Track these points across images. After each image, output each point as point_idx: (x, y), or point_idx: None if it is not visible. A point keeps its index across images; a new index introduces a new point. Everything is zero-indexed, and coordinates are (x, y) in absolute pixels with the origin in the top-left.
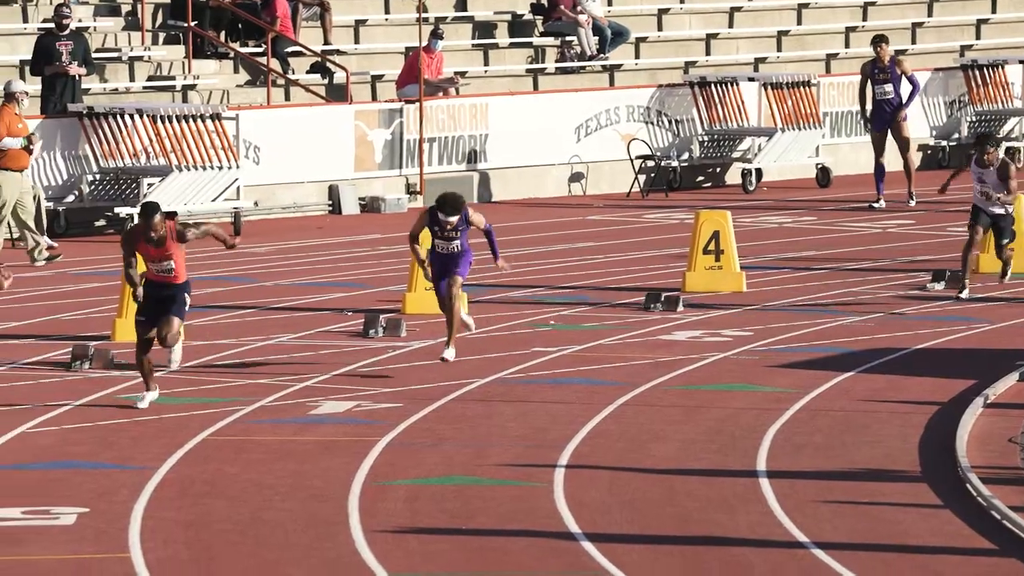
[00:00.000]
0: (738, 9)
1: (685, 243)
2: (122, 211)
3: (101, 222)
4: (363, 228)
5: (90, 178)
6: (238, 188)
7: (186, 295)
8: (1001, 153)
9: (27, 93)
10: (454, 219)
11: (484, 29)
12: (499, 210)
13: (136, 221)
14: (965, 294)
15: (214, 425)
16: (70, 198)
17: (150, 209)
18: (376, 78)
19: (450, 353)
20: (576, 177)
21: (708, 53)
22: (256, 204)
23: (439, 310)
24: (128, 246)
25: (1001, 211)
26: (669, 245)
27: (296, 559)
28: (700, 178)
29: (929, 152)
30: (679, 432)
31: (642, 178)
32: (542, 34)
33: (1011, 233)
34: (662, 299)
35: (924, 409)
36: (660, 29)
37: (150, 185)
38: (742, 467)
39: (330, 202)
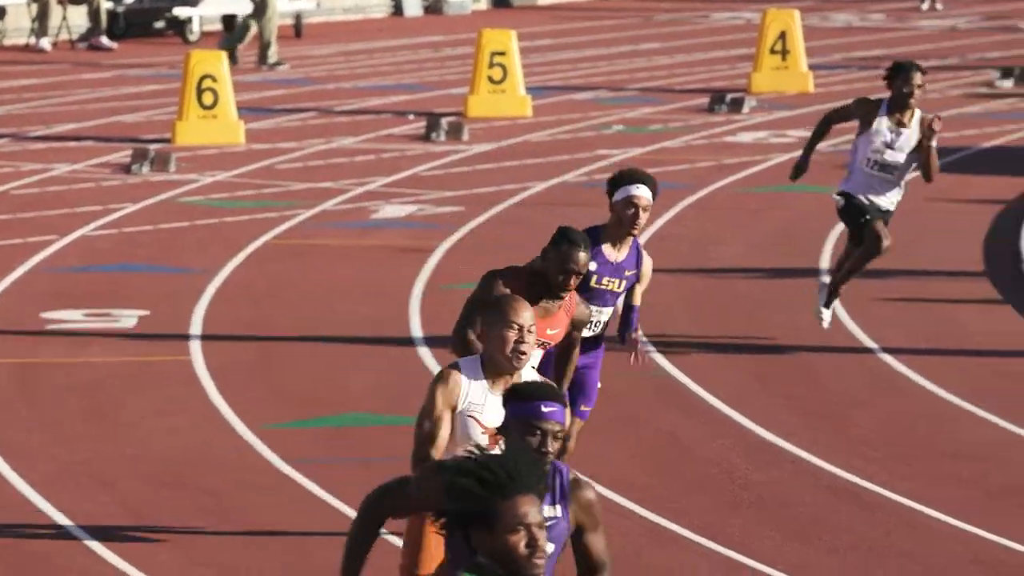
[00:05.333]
0: None
1: (752, 44)
2: (182, 12)
3: (160, 23)
4: (426, 30)
5: None
6: None
7: None
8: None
9: None
10: (647, 196)
11: None
12: (558, 14)
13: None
14: (826, 320)
15: (276, 229)
16: None
17: (579, 240)
18: None
19: None
20: None
21: None
22: (318, 5)
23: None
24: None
25: (892, 204)
26: (735, 45)
27: (358, 361)
28: None
29: None
30: (743, 234)
31: None
32: None
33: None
34: (727, 100)
35: (990, 207)
36: None
37: None
38: (805, 267)
39: (392, 4)
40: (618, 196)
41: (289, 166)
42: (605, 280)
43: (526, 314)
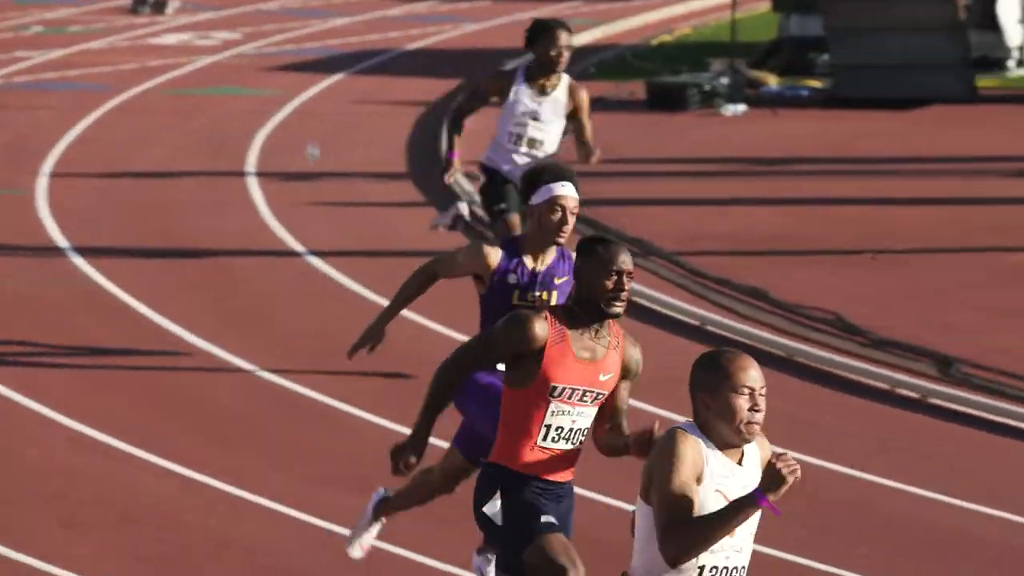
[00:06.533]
0: None
1: None
2: None
3: None
4: None
5: None
6: None
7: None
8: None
9: None
10: (574, 196)
11: None
12: None
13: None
14: None
15: None
16: None
17: (612, 238)
18: None
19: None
20: None
21: None
22: None
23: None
24: (510, 340)
25: None
26: None
27: None
28: None
29: None
30: (170, 137)
31: None
32: None
33: None
34: (151, 1)
35: (412, 109)
36: None
37: None
38: (233, 170)
39: None
40: (538, 197)
41: None
42: (530, 296)
43: (755, 373)
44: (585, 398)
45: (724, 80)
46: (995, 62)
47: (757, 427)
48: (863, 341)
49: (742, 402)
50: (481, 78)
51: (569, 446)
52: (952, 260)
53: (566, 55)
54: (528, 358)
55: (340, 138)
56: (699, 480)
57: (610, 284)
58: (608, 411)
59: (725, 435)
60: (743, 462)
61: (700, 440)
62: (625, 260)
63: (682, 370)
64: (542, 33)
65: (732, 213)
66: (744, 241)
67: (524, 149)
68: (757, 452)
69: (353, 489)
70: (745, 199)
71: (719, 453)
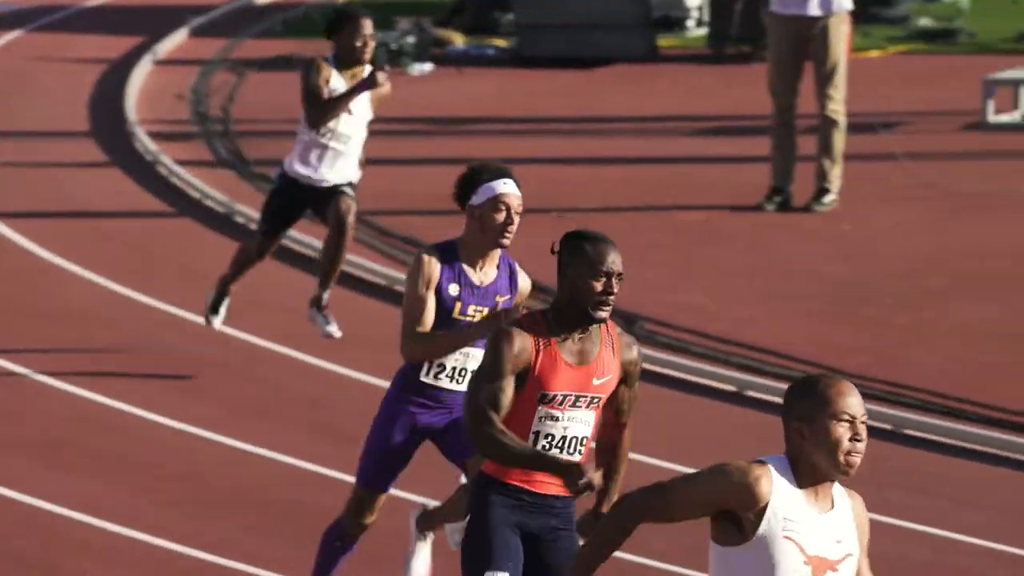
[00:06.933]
0: None
1: None
2: None
3: None
4: None
5: None
6: None
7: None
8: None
9: None
10: (517, 194)
11: None
12: None
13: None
14: (217, 322)
15: None
16: None
17: (599, 235)
18: None
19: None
20: None
21: None
22: None
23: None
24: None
25: (344, 177)
26: None
27: None
28: None
29: None
30: None
31: None
32: None
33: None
34: None
35: (94, 67)
36: None
37: None
38: None
39: None
40: (479, 198)
41: None
42: (472, 309)
43: (855, 400)
44: (579, 403)
45: (410, 39)
46: (675, 21)
47: (858, 458)
48: (548, 300)
49: (842, 431)
50: (307, 80)
51: (564, 456)
52: (634, 219)
53: (372, 44)
54: (521, 369)
55: (18, 96)
56: (756, 517)
57: (598, 286)
58: (608, 417)
59: (822, 467)
60: (830, 512)
61: (776, 479)
62: (615, 260)
63: (371, 331)
64: (345, 22)
65: (419, 173)
66: (431, 201)
67: (330, 142)
68: (850, 506)
69: (40, 456)
70: (432, 159)
71: (799, 494)
